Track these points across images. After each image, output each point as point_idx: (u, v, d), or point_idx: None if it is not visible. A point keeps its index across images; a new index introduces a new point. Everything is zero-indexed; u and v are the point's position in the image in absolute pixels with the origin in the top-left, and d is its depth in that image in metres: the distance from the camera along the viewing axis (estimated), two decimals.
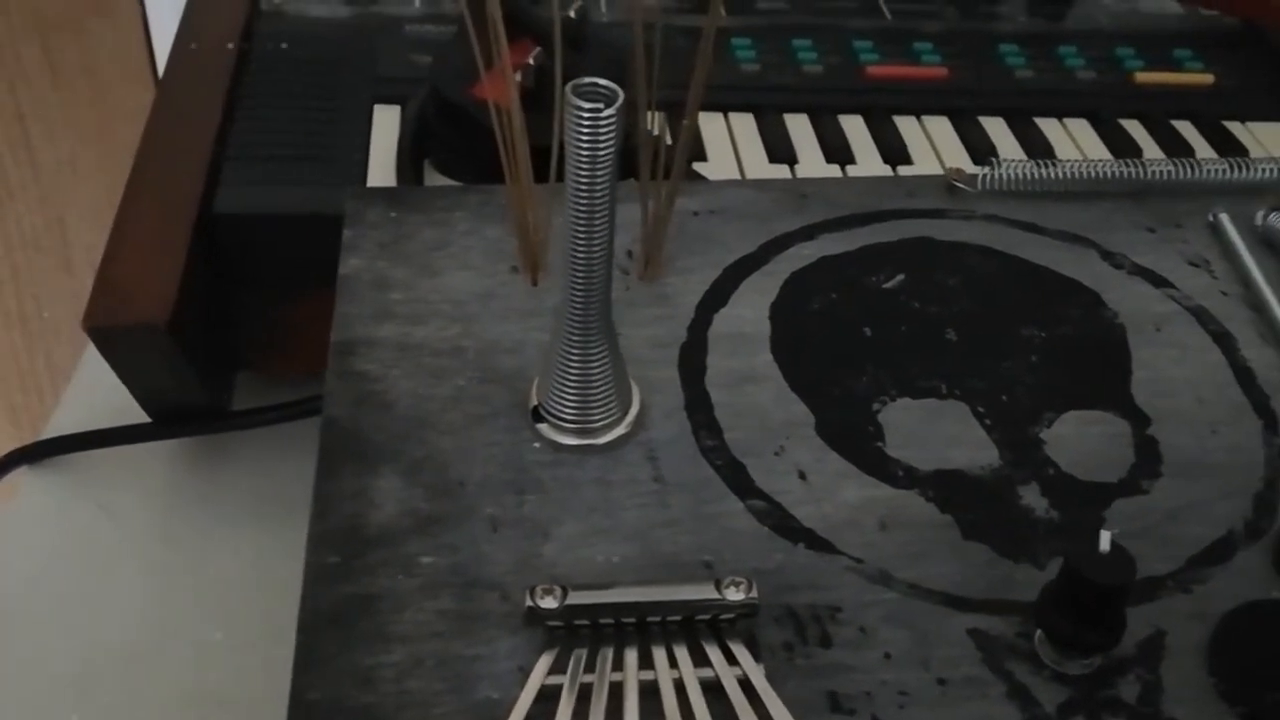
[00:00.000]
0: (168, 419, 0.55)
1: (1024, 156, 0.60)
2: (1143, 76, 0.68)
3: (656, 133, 0.42)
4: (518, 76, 0.52)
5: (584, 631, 0.34)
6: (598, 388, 0.39)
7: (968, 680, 0.34)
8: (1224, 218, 0.50)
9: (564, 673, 0.33)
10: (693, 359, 0.43)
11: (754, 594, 0.34)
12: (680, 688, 0.33)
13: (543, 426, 0.40)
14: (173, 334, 0.49)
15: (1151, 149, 0.63)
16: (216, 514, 0.55)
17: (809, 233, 0.49)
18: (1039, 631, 0.35)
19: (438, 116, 0.57)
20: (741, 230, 0.48)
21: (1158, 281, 0.48)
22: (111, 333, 0.49)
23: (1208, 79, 0.68)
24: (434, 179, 0.57)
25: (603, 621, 0.34)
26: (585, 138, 0.33)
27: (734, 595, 0.34)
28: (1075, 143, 0.64)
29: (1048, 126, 0.64)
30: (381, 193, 0.50)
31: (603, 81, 0.33)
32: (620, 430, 0.40)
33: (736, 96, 0.64)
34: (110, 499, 0.56)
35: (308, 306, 0.52)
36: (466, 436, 0.40)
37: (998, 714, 0.34)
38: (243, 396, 0.58)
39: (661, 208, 0.45)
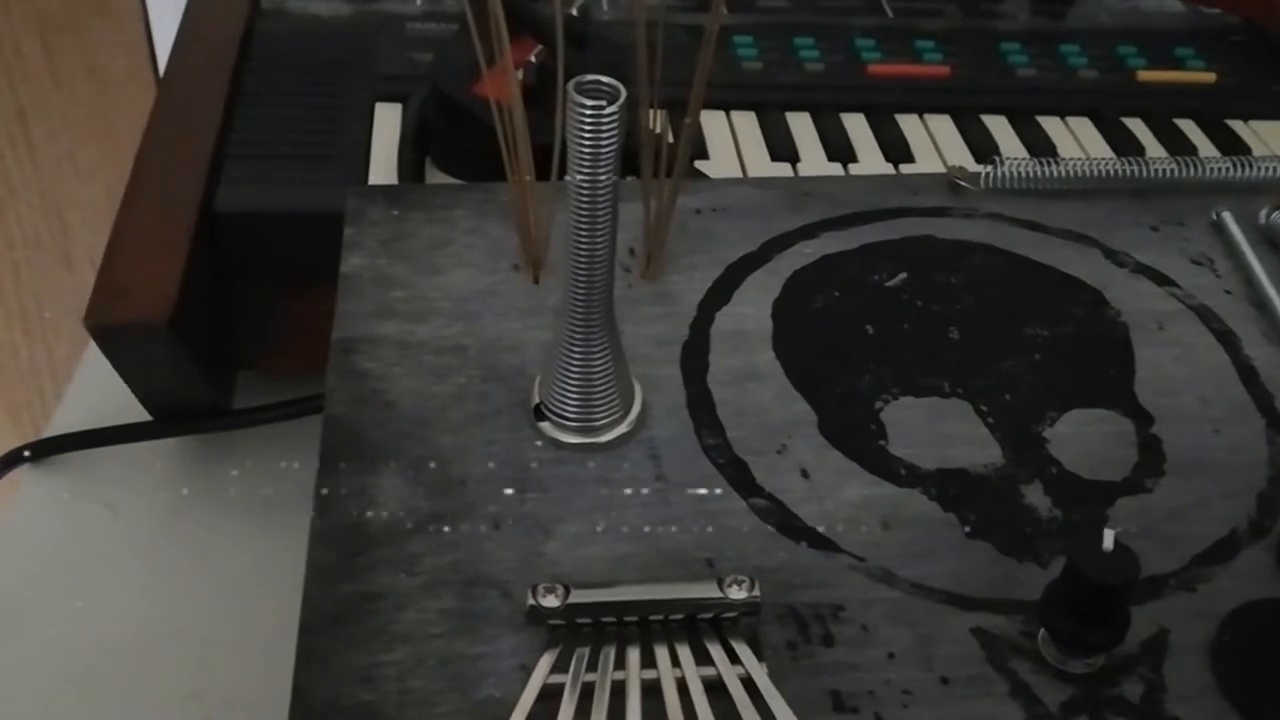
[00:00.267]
0: (169, 417, 0.55)
1: (1026, 155, 0.60)
2: (1145, 75, 0.68)
3: (658, 131, 0.42)
4: (519, 74, 0.52)
5: (586, 630, 0.34)
6: (600, 386, 0.39)
7: (971, 679, 0.34)
8: (1227, 216, 0.49)
9: (566, 671, 0.33)
10: (695, 357, 0.43)
11: (757, 592, 0.34)
12: (683, 687, 0.33)
13: (544, 425, 0.40)
14: (174, 332, 0.49)
15: (1154, 147, 0.63)
16: (218, 512, 0.55)
17: (811, 231, 0.48)
18: (1042, 630, 0.35)
19: (439, 114, 0.57)
20: (744, 228, 0.48)
21: (1161, 280, 0.48)
22: (113, 331, 0.49)
23: (1210, 77, 0.68)
24: (435, 177, 0.57)
25: (605, 620, 0.34)
26: (587, 135, 0.33)
27: (737, 594, 0.34)
28: (1077, 141, 0.63)
29: (1050, 125, 0.64)
30: (383, 190, 0.50)
31: (605, 79, 0.33)
32: (622, 429, 0.40)
33: (738, 94, 0.64)
34: (112, 497, 0.56)
35: (309, 304, 0.52)
36: (468, 435, 0.40)
37: (1001, 713, 0.33)
38: (244, 395, 0.58)
39: (664, 206, 0.45)
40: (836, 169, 0.60)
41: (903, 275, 0.47)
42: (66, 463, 0.57)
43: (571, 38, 0.53)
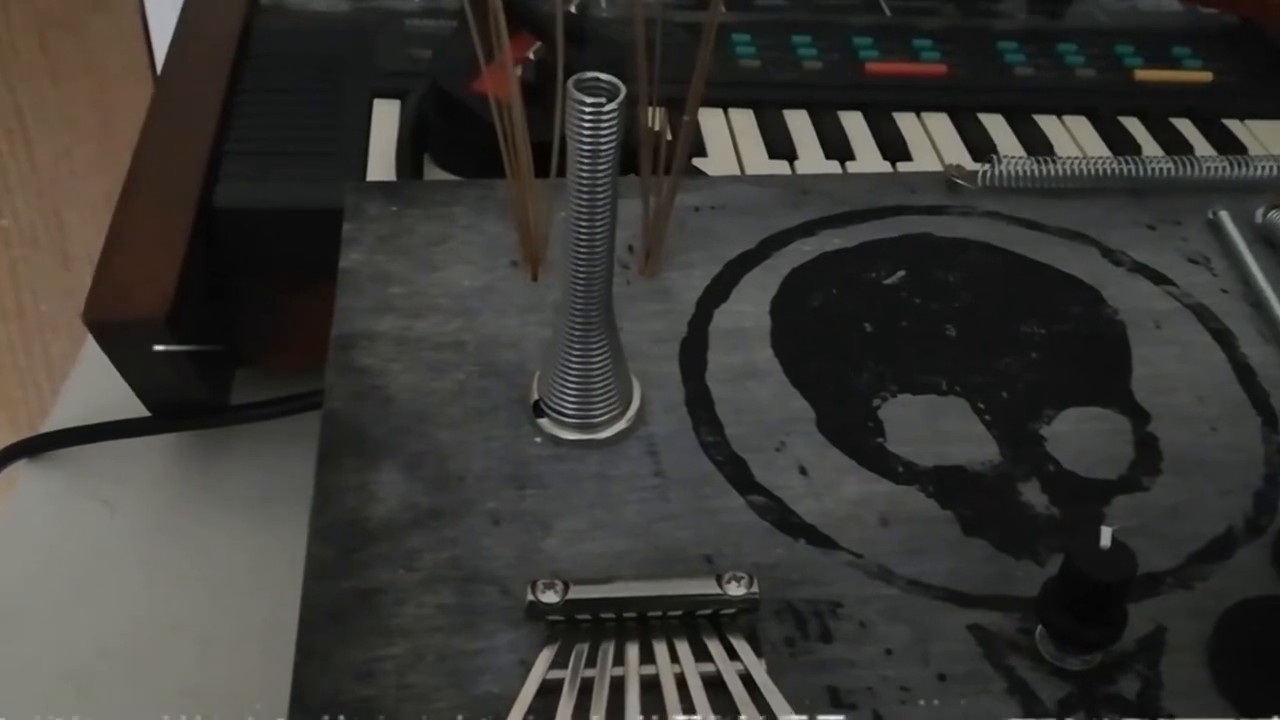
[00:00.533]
0: (166, 413, 0.55)
1: (1023, 153, 0.60)
2: (1142, 74, 0.68)
3: (657, 128, 0.42)
4: (518, 71, 0.52)
5: (585, 626, 0.34)
6: (598, 383, 0.39)
7: (968, 676, 0.34)
8: (1224, 215, 0.50)
9: (565, 667, 0.33)
10: (693, 354, 0.43)
11: (755, 589, 0.34)
12: (681, 683, 0.33)
13: (543, 421, 0.40)
14: (172, 328, 0.49)
15: (1151, 146, 0.63)
16: (216, 508, 0.55)
17: (809, 229, 0.48)
18: (1040, 627, 0.35)
19: (438, 111, 0.57)
20: (742, 226, 0.48)
21: (1157, 279, 0.48)
22: (111, 326, 0.49)
23: (1207, 76, 0.68)
24: (433, 173, 0.57)
25: (604, 616, 0.34)
26: (587, 132, 0.33)
27: (735, 590, 0.34)
28: (1074, 140, 0.64)
29: (1047, 124, 0.64)
30: (381, 187, 0.50)
31: (604, 76, 0.33)
32: (621, 425, 0.40)
33: (736, 92, 0.64)
34: (109, 493, 0.56)
35: (307, 300, 0.52)
36: (467, 431, 0.40)
37: (998, 709, 0.34)
38: (241, 391, 0.58)
39: (662, 203, 0.45)
40: (834, 167, 0.60)
41: (901, 273, 0.47)
42: (63, 459, 0.57)
43: (570, 35, 0.53)
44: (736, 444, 0.40)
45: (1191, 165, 0.51)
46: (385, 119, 0.59)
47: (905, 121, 0.64)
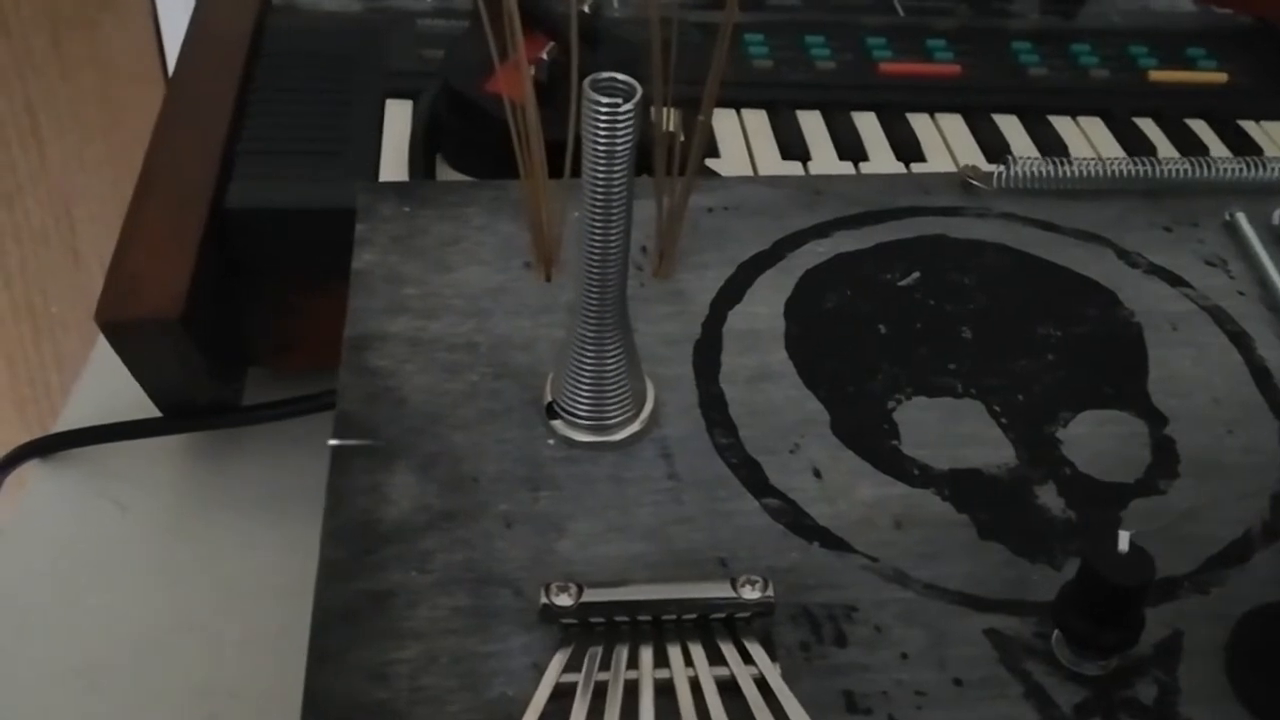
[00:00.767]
0: (178, 413, 0.55)
1: (1037, 154, 0.60)
2: (1156, 75, 0.68)
3: (672, 129, 0.42)
4: (531, 71, 0.51)
5: (599, 629, 0.34)
6: (612, 384, 0.39)
7: (984, 680, 0.34)
8: (1240, 217, 0.49)
9: (579, 670, 0.33)
10: (707, 356, 0.43)
11: (770, 592, 0.34)
12: (696, 686, 0.33)
13: (557, 423, 0.40)
14: (185, 328, 0.49)
15: (1166, 147, 0.63)
16: (228, 509, 0.55)
17: (823, 230, 0.48)
18: (1056, 632, 0.35)
19: (450, 111, 0.57)
20: (756, 227, 0.48)
21: (1174, 281, 0.47)
22: (123, 326, 0.49)
23: (1221, 77, 0.68)
24: (446, 174, 0.57)
25: (618, 619, 0.34)
26: (603, 133, 0.33)
27: (750, 594, 0.34)
28: (1089, 141, 0.63)
29: (1061, 124, 0.64)
30: (394, 187, 0.50)
31: (620, 76, 0.33)
32: (634, 427, 0.40)
33: (749, 93, 0.64)
34: (121, 493, 0.56)
35: (319, 301, 0.52)
36: (480, 432, 0.40)
37: (1015, 714, 0.33)
38: (253, 391, 0.58)
39: (676, 204, 0.44)
40: (848, 168, 0.60)
41: (915, 274, 0.47)
42: (75, 459, 0.57)
43: (584, 35, 0.53)
44: (750, 446, 0.40)
45: (1208, 167, 0.51)
46: (397, 119, 0.59)
47: (919, 122, 0.64)
